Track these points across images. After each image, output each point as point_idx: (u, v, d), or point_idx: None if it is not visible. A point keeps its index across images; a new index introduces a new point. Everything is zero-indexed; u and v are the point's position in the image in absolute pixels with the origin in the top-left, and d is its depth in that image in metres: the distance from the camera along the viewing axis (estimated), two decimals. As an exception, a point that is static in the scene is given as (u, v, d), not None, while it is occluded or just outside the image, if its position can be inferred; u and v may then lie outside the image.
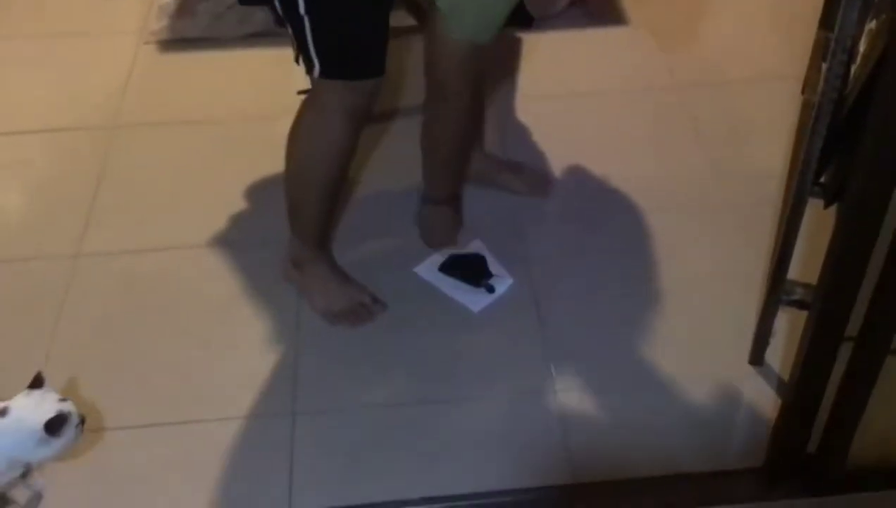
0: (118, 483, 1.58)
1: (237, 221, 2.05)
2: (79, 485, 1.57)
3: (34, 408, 1.42)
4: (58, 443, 1.43)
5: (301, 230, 1.84)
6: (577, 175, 2.16)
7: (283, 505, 1.54)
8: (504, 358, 1.78)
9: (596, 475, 1.58)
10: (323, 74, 1.59)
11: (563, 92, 2.38)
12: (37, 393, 1.45)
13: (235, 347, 1.80)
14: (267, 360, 1.78)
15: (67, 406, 1.44)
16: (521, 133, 2.28)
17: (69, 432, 1.43)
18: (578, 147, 2.22)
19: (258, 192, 2.11)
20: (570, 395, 1.70)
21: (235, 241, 2.01)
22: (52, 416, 1.41)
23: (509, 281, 1.91)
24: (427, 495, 1.56)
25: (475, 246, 1.97)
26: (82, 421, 1.46)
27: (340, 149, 1.72)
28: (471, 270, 1.93)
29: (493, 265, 1.93)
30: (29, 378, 1.46)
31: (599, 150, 2.21)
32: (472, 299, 1.89)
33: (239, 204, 2.09)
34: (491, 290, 1.89)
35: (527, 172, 2.15)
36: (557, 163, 2.18)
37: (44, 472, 1.54)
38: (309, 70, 1.60)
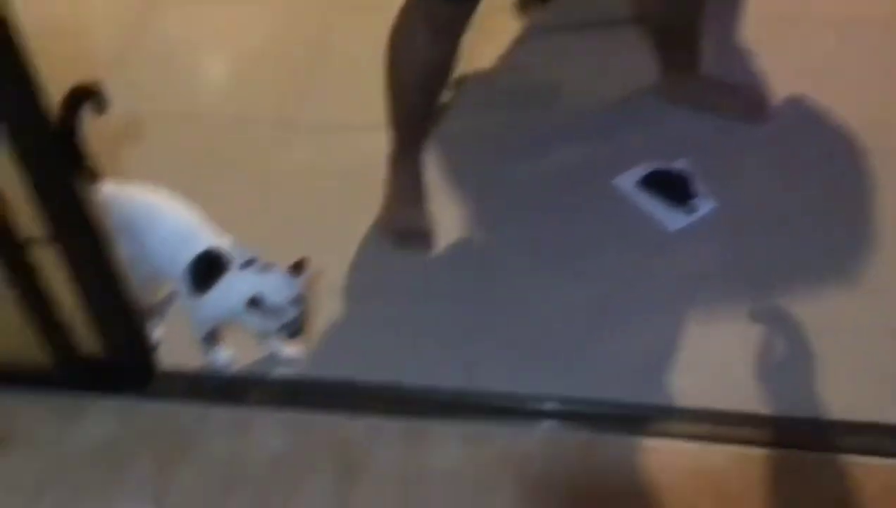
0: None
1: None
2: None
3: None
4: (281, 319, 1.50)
5: (389, 124, 1.82)
6: (798, 106, 2.05)
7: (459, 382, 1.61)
8: (695, 282, 1.75)
9: (782, 410, 1.54)
10: None
11: (799, 14, 2.24)
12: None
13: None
14: (460, 244, 1.83)
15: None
16: (744, 54, 2.18)
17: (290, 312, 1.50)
18: (804, 76, 2.10)
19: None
20: (762, 329, 1.66)
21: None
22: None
23: (711, 204, 1.86)
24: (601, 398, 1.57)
25: (680, 164, 1.92)
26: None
27: (423, 60, 1.67)
28: (672, 187, 1.89)
29: (697, 186, 1.88)
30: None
31: (827, 81, 2.08)
32: (670, 218, 1.85)
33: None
34: (691, 211, 1.85)
35: (743, 94, 2.06)
36: (779, 90, 2.07)
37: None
38: None
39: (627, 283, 1.75)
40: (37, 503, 1.47)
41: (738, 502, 1.43)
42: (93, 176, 1.51)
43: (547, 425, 1.56)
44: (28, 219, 1.36)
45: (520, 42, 2.26)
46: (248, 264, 1.51)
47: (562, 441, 1.52)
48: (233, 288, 1.50)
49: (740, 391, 1.57)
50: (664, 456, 1.49)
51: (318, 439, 1.54)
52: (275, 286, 1.49)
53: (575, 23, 2.27)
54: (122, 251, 1.50)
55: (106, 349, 1.56)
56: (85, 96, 1.45)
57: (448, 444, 1.52)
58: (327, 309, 1.71)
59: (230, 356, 1.63)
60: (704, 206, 1.86)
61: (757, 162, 1.96)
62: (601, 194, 1.90)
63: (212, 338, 1.61)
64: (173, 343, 1.65)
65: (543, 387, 1.60)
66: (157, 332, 1.66)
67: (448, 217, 1.87)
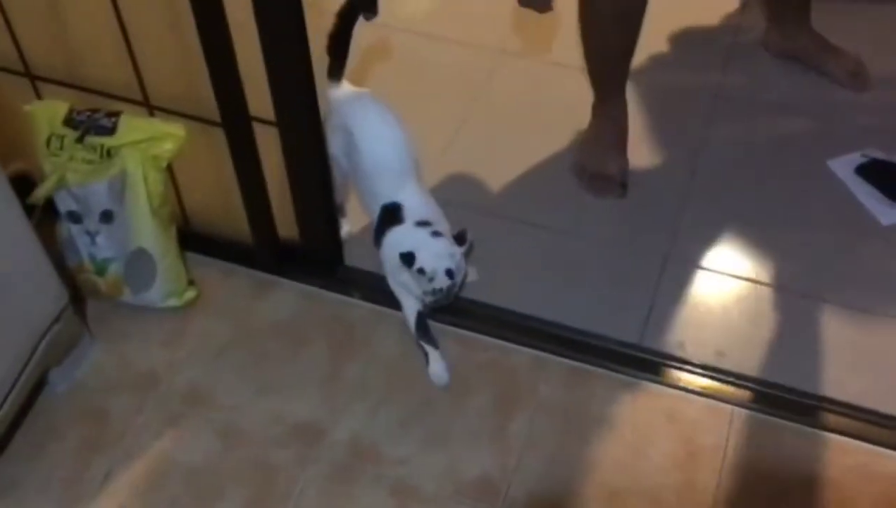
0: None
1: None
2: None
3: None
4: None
5: (588, 71, 1.79)
6: None
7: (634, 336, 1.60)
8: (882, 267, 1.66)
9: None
10: None
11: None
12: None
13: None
14: (655, 198, 1.80)
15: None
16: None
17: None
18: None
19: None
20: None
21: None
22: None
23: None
24: (778, 382, 1.52)
25: None
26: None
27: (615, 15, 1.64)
28: (890, 179, 1.78)
29: None
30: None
31: None
32: (884, 211, 1.75)
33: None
34: None
35: (845, 59, 1.96)
36: None
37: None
38: None
39: (830, 268, 1.68)
40: (215, 363, 1.57)
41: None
42: (338, 75, 1.58)
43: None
44: (259, 99, 1.44)
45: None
46: (422, 224, 1.52)
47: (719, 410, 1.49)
48: (397, 241, 1.52)
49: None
50: (837, 454, 1.44)
51: (486, 362, 1.57)
52: (433, 251, 1.48)
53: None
54: (333, 148, 1.56)
55: (302, 235, 1.63)
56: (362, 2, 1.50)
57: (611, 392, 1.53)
58: (510, 242, 1.73)
59: (442, 370, 1.55)
60: None
61: None
62: (814, 172, 1.81)
63: (424, 334, 1.57)
64: (359, 246, 1.71)
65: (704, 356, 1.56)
66: (344, 229, 1.72)
67: (647, 169, 1.84)
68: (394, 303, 1.60)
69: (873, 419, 1.47)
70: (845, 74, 1.96)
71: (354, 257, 1.71)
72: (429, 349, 1.56)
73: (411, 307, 1.57)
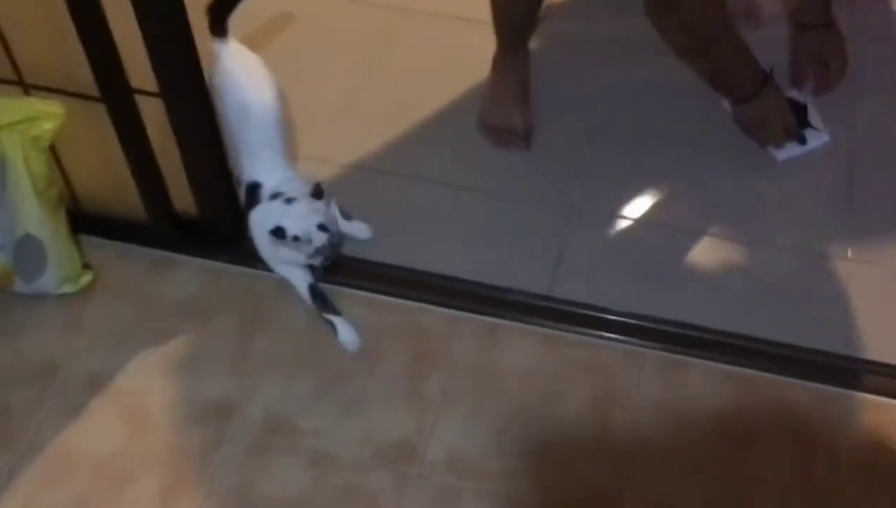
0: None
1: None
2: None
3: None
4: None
5: (493, 23, 1.77)
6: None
7: (544, 287, 1.60)
8: (800, 214, 1.69)
9: (872, 354, 1.49)
10: None
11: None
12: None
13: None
14: (561, 148, 1.79)
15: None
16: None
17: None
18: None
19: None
20: (864, 268, 1.60)
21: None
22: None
23: (825, 138, 1.77)
24: (683, 320, 1.55)
25: (796, 94, 1.83)
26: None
27: None
28: (785, 116, 1.81)
29: (813, 117, 1.79)
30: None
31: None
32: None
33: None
34: (802, 141, 1.77)
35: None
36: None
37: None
38: None
39: (730, 206, 1.70)
40: (118, 348, 1.52)
41: (815, 442, 1.41)
42: (222, 31, 1.54)
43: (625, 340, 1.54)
44: (139, 70, 1.37)
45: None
46: (274, 197, 1.50)
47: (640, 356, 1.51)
48: (260, 222, 1.50)
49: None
50: (745, 388, 1.47)
51: (396, 324, 1.55)
52: (296, 216, 1.46)
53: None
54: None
55: (200, 210, 1.58)
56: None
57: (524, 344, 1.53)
58: (415, 200, 1.71)
59: (352, 336, 1.53)
60: (816, 139, 1.77)
61: (878, 102, 1.85)
62: (713, 113, 1.82)
63: (324, 304, 1.55)
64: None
65: (623, 302, 1.58)
66: None
67: (550, 119, 1.83)
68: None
69: (778, 350, 1.51)
70: (740, 14, 1.97)
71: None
72: (333, 318, 1.53)
73: (301, 281, 1.55)
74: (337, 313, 1.54)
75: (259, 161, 1.53)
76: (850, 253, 1.62)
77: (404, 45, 1.96)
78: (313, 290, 1.55)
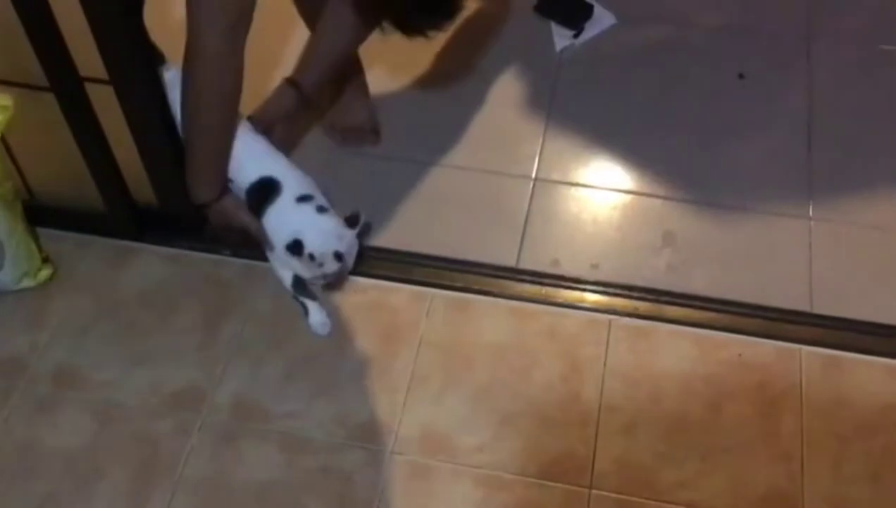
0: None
1: None
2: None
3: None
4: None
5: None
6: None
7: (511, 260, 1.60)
8: (760, 176, 1.69)
9: (834, 309, 1.51)
10: None
11: None
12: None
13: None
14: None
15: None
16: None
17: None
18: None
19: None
20: (824, 225, 1.61)
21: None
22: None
23: (610, 21, 1.83)
24: (652, 286, 1.55)
25: None
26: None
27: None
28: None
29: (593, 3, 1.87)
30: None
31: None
32: (559, 37, 1.87)
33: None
34: (579, 33, 1.83)
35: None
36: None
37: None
38: None
39: (689, 171, 1.71)
40: (82, 341, 1.50)
41: (781, 403, 1.42)
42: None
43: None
44: (88, 57, 1.34)
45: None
46: (303, 199, 1.45)
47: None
48: (281, 221, 1.45)
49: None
50: (711, 349, 1.48)
51: (364, 304, 1.55)
52: (320, 232, 1.42)
53: None
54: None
55: (159, 197, 1.56)
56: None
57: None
58: (373, 179, 1.70)
59: (322, 318, 1.51)
60: (596, 26, 1.81)
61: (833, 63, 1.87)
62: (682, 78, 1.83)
63: (301, 290, 1.52)
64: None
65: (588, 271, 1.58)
66: None
67: (508, 93, 1.82)
68: (266, 255, 1.56)
69: (744, 311, 1.52)
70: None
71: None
72: (307, 301, 1.52)
73: (287, 275, 1.52)
74: (314, 297, 1.52)
75: (271, 161, 1.49)
76: (811, 211, 1.64)
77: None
78: (297, 278, 1.52)
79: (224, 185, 1.48)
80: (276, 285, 1.54)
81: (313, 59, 1.53)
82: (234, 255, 1.59)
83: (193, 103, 1.39)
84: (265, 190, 1.47)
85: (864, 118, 1.76)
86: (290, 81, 1.53)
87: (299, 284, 1.52)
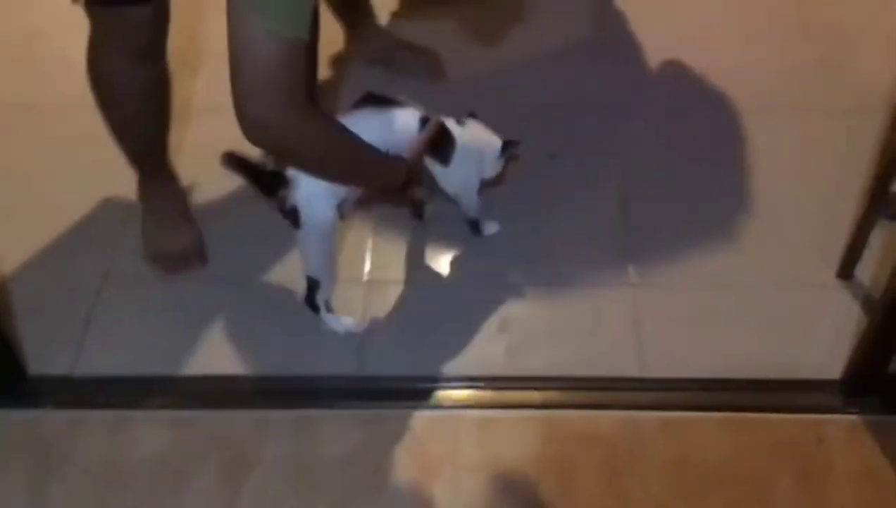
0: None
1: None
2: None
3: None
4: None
5: (129, 162, 1.67)
6: (674, 66, 2.08)
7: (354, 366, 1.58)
8: (582, 251, 1.75)
9: (665, 371, 1.56)
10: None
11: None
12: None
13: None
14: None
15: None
16: (619, 21, 2.20)
17: None
18: (679, 37, 2.13)
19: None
20: (646, 291, 1.67)
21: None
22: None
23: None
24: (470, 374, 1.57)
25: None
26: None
27: (133, 94, 1.53)
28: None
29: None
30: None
31: (700, 41, 2.12)
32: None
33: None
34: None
35: (424, 53, 2.07)
36: (655, 53, 2.11)
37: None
38: None
39: (513, 255, 1.74)
40: None
41: (625, 472, 1.45)
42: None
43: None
44: None
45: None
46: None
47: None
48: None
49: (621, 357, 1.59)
50: (555, 428, 1.50)
51: (201, 438, 1.48)
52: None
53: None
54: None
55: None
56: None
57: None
58: (191, 306, 1.67)
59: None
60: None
61: (637, 128, 1.97)
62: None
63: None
64: (42, 349, 1.58)
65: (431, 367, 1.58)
66: None
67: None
68: (95, 403, 1.50)
69: (580, 385, 1.55)
70: (425, 70, 2.03)
71: (40, 363, 1.56)
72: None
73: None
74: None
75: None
76: (632, 278, 1.70)
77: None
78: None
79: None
80: (106, 433, 1.47)
81: None
82: (58, 406, 1.51)
83: None
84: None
85: (672, 184, 1.86)
86: None
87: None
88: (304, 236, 1.51)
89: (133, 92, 1.54)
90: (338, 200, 1.48)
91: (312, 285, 1.57)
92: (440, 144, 1.55)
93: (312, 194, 1.45)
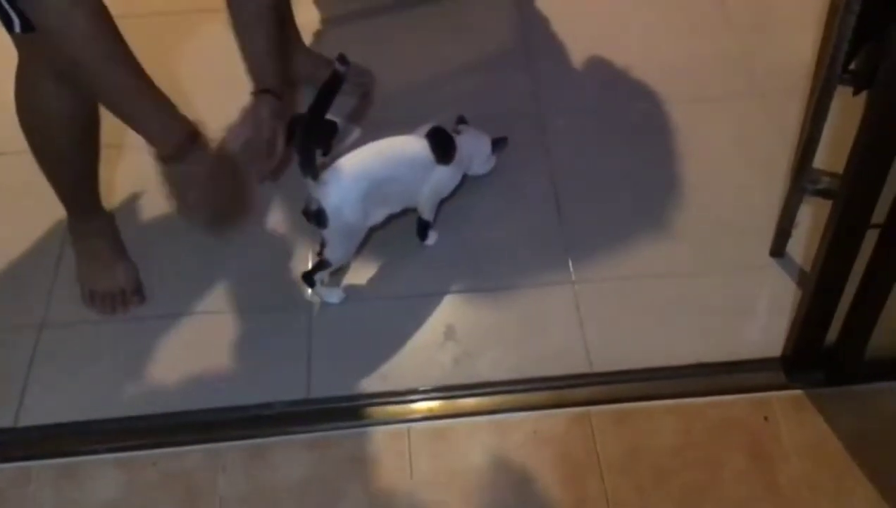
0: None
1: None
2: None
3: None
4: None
5: (61, 199, 1.67)
6: (598, 64, 2.11)
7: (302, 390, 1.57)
8: (523, 250, 1.77)
9: (612, 364, 1.58)
10: (25, 28, 1.33)
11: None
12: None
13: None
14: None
15: None
16: (542, 23, 2.22)
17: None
18: (601, 34, 2.16)
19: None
20: (588, 286, 1.69)
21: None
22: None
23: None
24: (418, 386, 1.57)
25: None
26: None
27: (61, 118, 1.51)
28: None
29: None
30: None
31: (622, 37, 2.16)
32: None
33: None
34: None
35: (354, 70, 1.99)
36: (579, 52, 2.13)
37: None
38: (8, 28, 1.34)
39: (451, 261, 1.75)
40: None
41: (581, 468, 1.46)
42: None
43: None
44: None
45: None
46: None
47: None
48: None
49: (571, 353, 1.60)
50: (508, 431, 1.51)
51: (154, 478, 1.46)
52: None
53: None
54: None
55: None
56: None
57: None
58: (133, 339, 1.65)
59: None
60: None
61: (565, 124, 1.99)
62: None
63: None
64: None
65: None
66: None
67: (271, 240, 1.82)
68: (43, 453, 1.47)
69: (530, 387, 1.55)
70: (353, 86, 1.99)
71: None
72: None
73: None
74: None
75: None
76: (573, 276, 1.71)
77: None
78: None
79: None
80: (57, 479, 1.44)
81: (261, 58, 1.63)
82: (4, 460, 1.48)
83: None
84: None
85: (605, 179, 1.88)
86: (260, 91, 1.62)
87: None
88: (331, 235, 1.60)
89: (61, 113, 1.51)
90: (367, 205, 1.59)
91: (322, 265, 1.63)
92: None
93: (344, 199, 1.56)
